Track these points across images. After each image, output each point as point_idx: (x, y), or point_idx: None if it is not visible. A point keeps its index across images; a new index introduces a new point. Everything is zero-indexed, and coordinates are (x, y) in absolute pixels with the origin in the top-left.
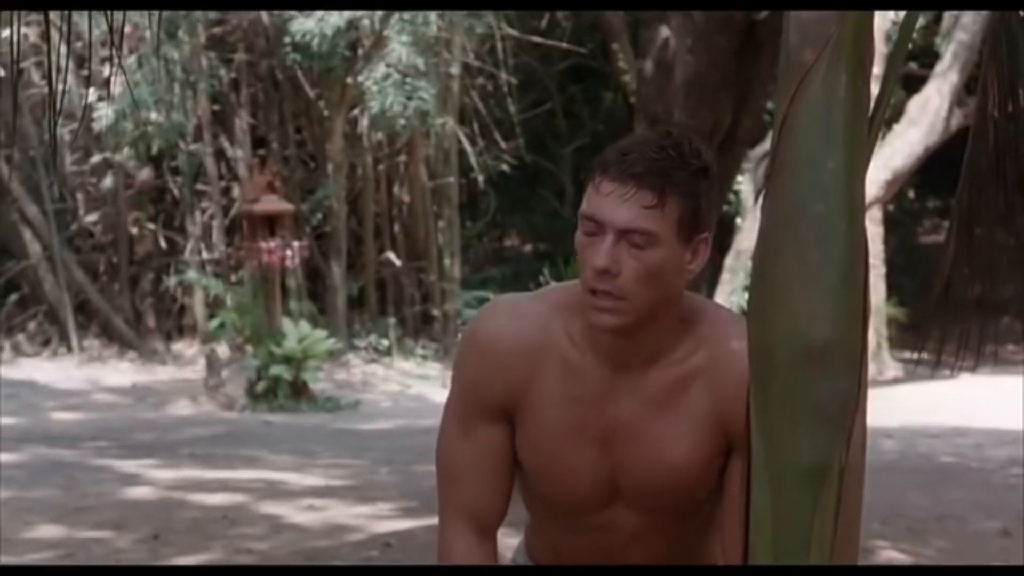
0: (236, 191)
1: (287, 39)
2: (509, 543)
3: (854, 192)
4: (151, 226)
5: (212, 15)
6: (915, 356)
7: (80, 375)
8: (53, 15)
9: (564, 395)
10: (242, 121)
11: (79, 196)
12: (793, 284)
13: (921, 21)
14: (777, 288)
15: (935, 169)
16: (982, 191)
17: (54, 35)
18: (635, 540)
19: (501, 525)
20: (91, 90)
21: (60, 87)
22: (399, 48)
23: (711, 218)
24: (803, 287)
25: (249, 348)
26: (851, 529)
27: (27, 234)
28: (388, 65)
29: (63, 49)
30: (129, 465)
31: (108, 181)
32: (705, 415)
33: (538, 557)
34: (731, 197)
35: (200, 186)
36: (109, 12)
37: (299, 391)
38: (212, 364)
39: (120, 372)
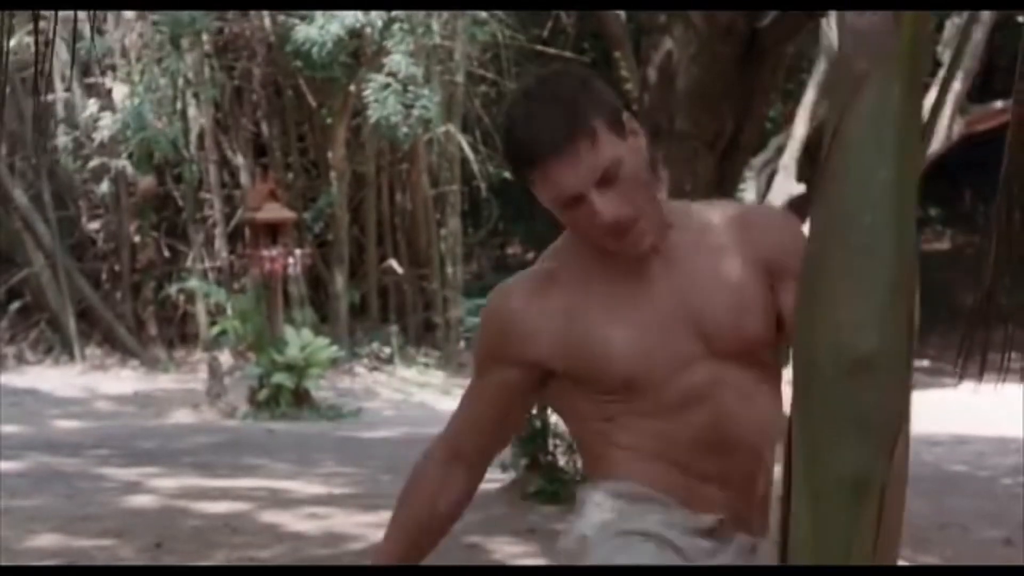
0: (238, 199)
1: (289, 47)
2: None
3: (904, 203)
4: (154, 234)
5: (215, 23)
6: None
7: (82, 383)
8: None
9: (602, 289)
10: (244, 129)
11: (82, 204)
12: (840, 294)
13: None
14: (824, 298)
15: (937, 177)
16: (1019, 198)
17: (58, 44)
18: (730, 392)
19: (478, 461)
20: (92, 100)
21: (63, 96)
22: (400, 57)
23: (615, 100)
24: (850, 297)
25: (251, 356)
26: (891, 544)
27: (30, 242)
28: (389, 74)
29: (65, 57)
30: (131, 473)
31: (110, 189)
32: (737, 258)
33: (645, 476)
34: None
35: (203, 194)
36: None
37: (301, 399)
38: (214, 372)
39: (122, 380)
